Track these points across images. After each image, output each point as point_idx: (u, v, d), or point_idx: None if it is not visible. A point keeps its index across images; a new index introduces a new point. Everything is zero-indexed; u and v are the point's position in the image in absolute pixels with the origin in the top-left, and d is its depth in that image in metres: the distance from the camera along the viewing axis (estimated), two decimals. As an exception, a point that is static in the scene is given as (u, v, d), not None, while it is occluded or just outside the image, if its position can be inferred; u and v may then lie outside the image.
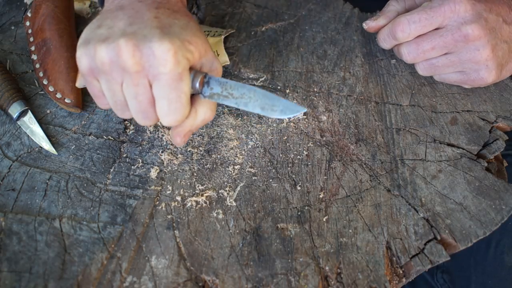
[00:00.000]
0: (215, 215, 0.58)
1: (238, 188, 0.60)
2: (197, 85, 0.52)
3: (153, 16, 0.51)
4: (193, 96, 0.54)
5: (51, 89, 0.67)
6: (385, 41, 0.67)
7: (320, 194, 0.60)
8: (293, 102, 0.52)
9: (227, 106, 0.68)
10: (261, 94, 0.52)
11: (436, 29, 0.63)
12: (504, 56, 0.63)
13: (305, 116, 0.68)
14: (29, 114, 0.65)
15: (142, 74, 0.49)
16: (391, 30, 0.65)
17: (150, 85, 0.50)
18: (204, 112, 0.54)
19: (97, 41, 0.49)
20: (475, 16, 0.61)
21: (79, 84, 0.60)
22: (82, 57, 0.51)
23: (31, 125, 0.65)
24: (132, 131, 0.66)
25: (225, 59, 0.69)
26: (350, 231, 0.57)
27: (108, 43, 0.48)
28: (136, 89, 0.50)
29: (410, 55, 0.65)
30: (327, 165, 0.63)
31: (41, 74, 0.68)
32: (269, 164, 0.63)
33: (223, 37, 0.72)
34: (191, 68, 0.52)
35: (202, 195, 0.60)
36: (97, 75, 0.52)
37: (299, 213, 0.59)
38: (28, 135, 0.64)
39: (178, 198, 0.59)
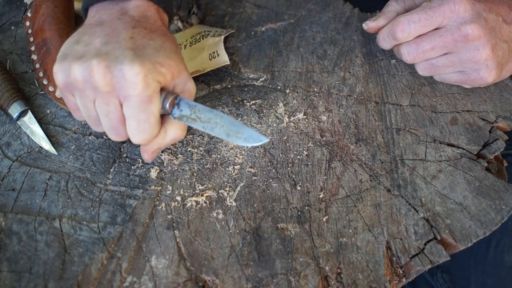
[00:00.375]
0: (215, 215, 0.58)
1: (238, 188, 0.60)
2: (167, 106, 0.53)
3: (129, 36, 0.52)
4: (164, 116, 0.55)
5: (51, 89, 0.67)
6: (385, 41, 0.67)
7: (320, 194, 0.60)
8: (256, 132, 0.54)
9: (227, 106, 0.68)
10: (227, 121, 0.54)
11: (436, 29, 0.63)
12: (504, 56, 0.63)
13: (305, 116, 0.68)
14: (29, 114, 0.65)
15: (112, 94, 0.51)
16: (390, 30, 0.65)
17: (120, 104, 0.52)
18: (174, 132, 0.56)
19: (72, 58, 0.51)
20: (474, 16, 0.61)
21: (58, 94, 0.64)
22: (58, 72, 0.52)
23: (31, 125, 0.65)
24: (132, 131, 0.66)
25: (225, 59, 0.69)
26: (350, 231, 0.57)
27: (82, 62, 0.50)
28: (107, 107, 0.52)
29: (410, 55, 0.65)
30: (327, 165, 0.63)
31: (41, 74, 0.68)
32: (269, 164, 0.63)
33: (223, 37, 0.72)
34: (162, 89, 0.53)
35: (202, 195, 0.60)
36: (71, 91, 0.54)
37: (299, 213, 0.59)
38: (28, 135, 0.64)
39: (178, 198, 0.59)
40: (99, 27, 0.54)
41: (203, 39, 0.71)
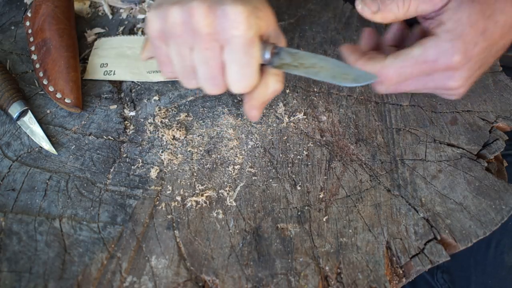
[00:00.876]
0: (215, 215, 0.58)
1: (238, 188, 0.60)
2: (267, 55, 0.51)
3: None
4: (261, 67, 0.53)
5: (51, 89, 0.67)
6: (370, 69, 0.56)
7: (320, 194, 0.60)
8: (363, 71, 0.51)
9: (227, 106, 0.68)
10: (332, 63, 0.51)
11: None
12: (477, 69, 0.55)
13: (305, 116, 0.68)
14: (29, 114, 0.65)
15: (213, 37, 0.48)
16: (378, 73, 0.54)
17: (221, 50, 0.49)
18: (273, 84, 0.53)
19: (170, 4, 0.49)
20: (465, 65, 0.52)
21: (145, 56, 0.58)
22: (154, 19, 0.50)
23: (31, 125, 0.65)
24: (132, 131, 0.66)
25: None
26: (350, 231, 0.57)
27: (182, 5, 0.48)
28: (207, 53, 0.49)
29: (384, 91, 0.57)
30: (327, 165, 0.63)
31: (41, 74, 0.68)
32: (269, 164, 0.63)
33: None
34: (260, 38, 0.51)
35: (202, 195, 0.60)
36: (167, 39, 0.51)
37: (299, 213, 0.59)
38: (28, 135, 0.64)
39: (178, 198, 0.59)
40: None
41: None
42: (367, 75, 0.51)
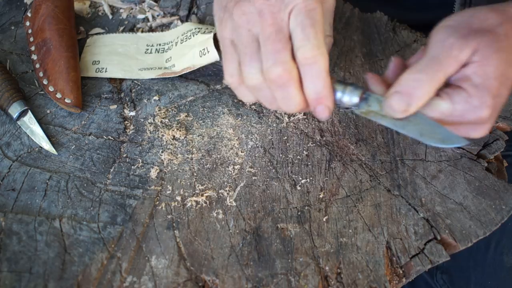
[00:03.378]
0: (215, 215, 0.58)
1: (238, 188, 0.60)
2: (356, 99, 0.51)
3: None
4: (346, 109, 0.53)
5: (51, 89, 0.67)
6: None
7: (320, 194, 0.60)
8: (454, 133, 0.50)
9: (227, 106, 0.68)
10: (422, 119, 0.50)
11: None
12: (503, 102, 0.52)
13: (305, 116, 0.68)
14: (29, 114, 0.65)
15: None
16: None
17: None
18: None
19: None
20: (491, 118, 0.51)
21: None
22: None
23: (31, 125, 0.64)
24: (132, 131, 0.66)
25: (215, 55, 0.68)
26: (350, 231, 0.57)
27: None
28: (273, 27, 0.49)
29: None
30: (327, 165, 0.63)
31: (41, 74, 0.68)
32: (269, 164, 0.63)
33: (213, 34, 0.72)
34: (344, 83, 0.51)
35: (202, 195, 0.60)
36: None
37: (299, 213, 0.59)
38: (28, 135, 0.64)
39: (178, 198, 0.59)
40: None
41: (193, 36, 0.72)
42: (455, 138, 0.50)
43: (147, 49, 0.75)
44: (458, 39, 0.48)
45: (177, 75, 0.70)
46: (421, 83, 0.48)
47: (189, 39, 0.72)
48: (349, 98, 0.52)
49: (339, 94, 0.52)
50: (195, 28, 0.73)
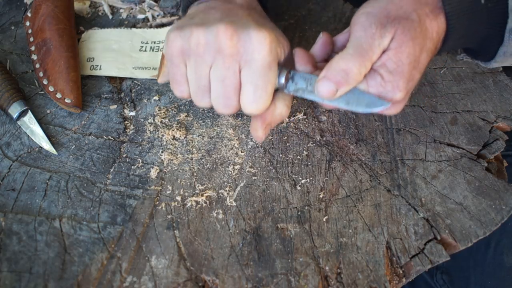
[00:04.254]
0: (215, 215, 0.58)
1: (238, 188, 0.60)
2: (282, 80, 0.53)
3: (246, 14, 0.54)
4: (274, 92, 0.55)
5: (51, 89, 0.67)
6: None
7: (320, 194, 0.60)
8: (377, 97, 0.52)
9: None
10: None
11: None
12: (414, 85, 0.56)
13: (305, 116, 0.68)
14: (29, 114, 0.65)
15: (235, 58, 0.50)
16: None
17: (239, 71, 0.51)
18: (281, 107, 0.55)
19: (194, 25, 0.51)
20: (404, 99, 0.55)
21: (161, 80, 0.61)
22: (176, 39, 0.52)
23: (31, 125, 0.64)
24: (132, 131, 0.66)
25: None
26: (350, 231, 0.57)
27: (207, 26, 0.50)
28: (226, 72, 0.51)
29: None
30: (327, 165, 0.63)
31: (41, 74, 0.68)
32: (269, 164, 0.63)
33: None
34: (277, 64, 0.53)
35: (202, 195, 0.60)
36: (186, 57, 0.53)
37: (299, 213, 0.59)
38: (28, 135, 0.64)
39: (178, 198, 0.59)
40: (212, 9, 0.54)
41: None
42: (379, 102, 0.52)
43: (142, 47, 0.76)
44: (379, 28, 0.51)
45: None
46: (350, 72, 0.51)
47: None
48: (277, 80, 0.54)
49: None
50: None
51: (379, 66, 0.52)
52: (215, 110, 0.55)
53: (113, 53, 0.74)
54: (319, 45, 0.58)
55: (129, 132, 0.66)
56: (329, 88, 0.51)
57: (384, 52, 0.52)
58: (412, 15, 0.52)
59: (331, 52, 0.59)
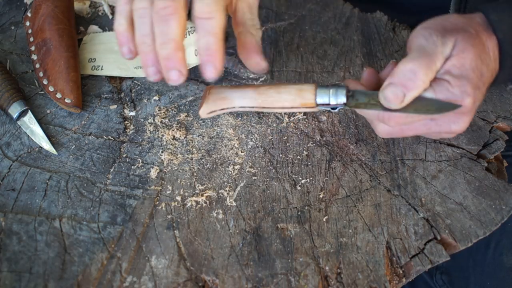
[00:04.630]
0: (215, 215, 0.58)
1: (238, 188, 0.60)
2: (343, 99, 0.54)
3: None
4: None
5: (51, 89, 0.67)
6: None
7: (320, 194, 0.60)
8: (444, 101, 0.52)
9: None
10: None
11: None
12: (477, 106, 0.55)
13: (305, 116, 0.68)
14: (29, 114, 0.65)
15: None
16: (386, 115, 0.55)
17: None
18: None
19: None
20: (471, 110, 0.54)
21: (118, 26, 0.62)
22: None
23: (31, 125, 0.64)
24: (132, 131, 0.66)
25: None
26: (350, 231, 0.57)
27: None
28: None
29: (387, 134, 0.58)
30: (327, 165, 0.63)
31: (41, 74, 0.68)
32: (269, 164, 0.63)
33: None
34: (329, 86, 0.55)
35: (202, 195, 0.60)
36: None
37: (299, 213, 0.59)
38: (28, 135, 0.64)
39: (178, 198, 0.59)
40: None
41: (189, 35, 0.72)
42: (448, 105, 0.51)
43: None
44: (439, 37, 0.51)
45: None
46: (416, 74, 0.50)
47: (184, 37, 0.72)
48: (336, 99, 0.55)
49: (325, 98, 0.55)
50: (191, 27, 0.73)
51: (444, 73, 0.51)
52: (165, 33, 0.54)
53: (115, 54, 0.74)
54: (365, 79, 0.58)
55: (129, 132, 0.66)
56: (396, 93, 0.51)
57: (446, 60, 0.51)
58: (469, 28, 0.53)
59: (377, 85, 0.57)
